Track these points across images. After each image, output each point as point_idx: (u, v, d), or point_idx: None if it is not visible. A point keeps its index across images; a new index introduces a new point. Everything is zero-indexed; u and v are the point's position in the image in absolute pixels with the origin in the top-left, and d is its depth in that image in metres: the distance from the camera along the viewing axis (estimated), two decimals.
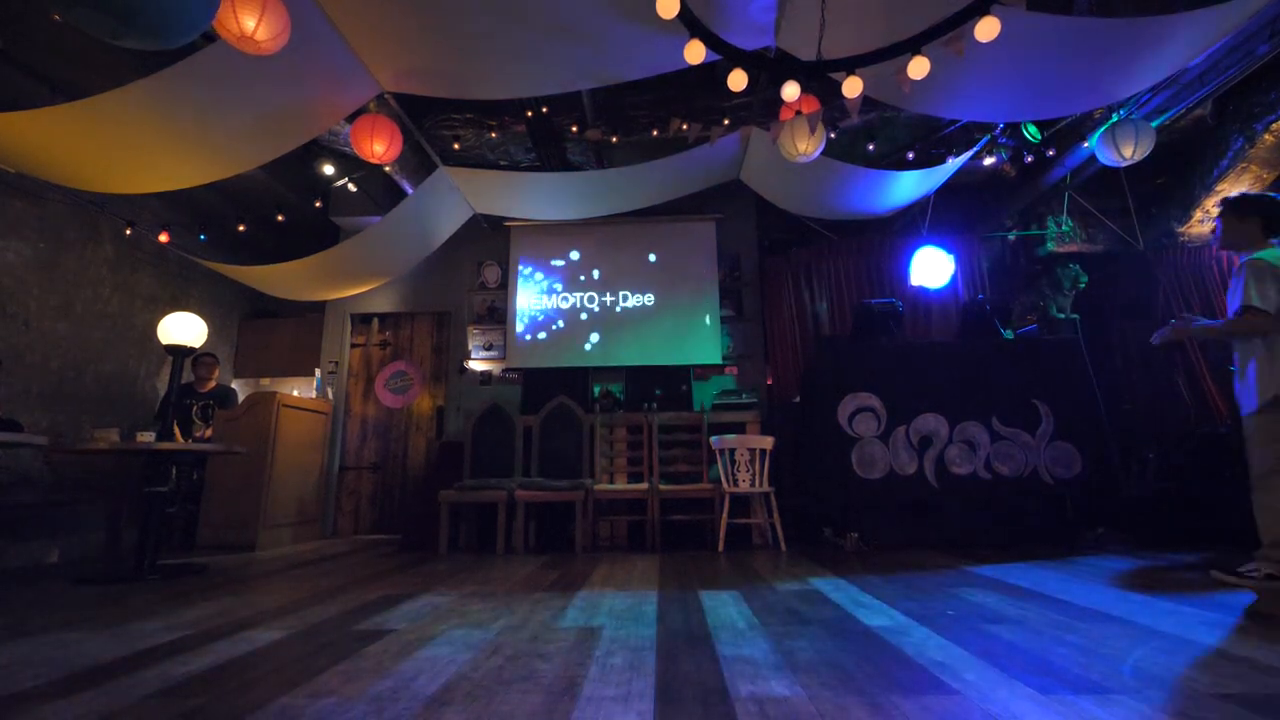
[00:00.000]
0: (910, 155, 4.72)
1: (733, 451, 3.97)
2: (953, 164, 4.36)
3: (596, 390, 5.18)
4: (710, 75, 4.07)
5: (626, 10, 2.82)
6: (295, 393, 5.54)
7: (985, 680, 1.36)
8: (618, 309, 5.64)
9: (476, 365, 5.63)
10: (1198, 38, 3.01)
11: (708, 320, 5.51)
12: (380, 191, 5.42)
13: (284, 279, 4.72)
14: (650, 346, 5.50)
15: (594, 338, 5.59)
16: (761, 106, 4.02)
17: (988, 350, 3.98)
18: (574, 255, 5.78)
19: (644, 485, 4.23)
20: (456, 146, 4.58)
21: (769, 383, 5.53)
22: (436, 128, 4.39)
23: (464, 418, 4.68)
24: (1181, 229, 5.14)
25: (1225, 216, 2.48)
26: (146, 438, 3.20)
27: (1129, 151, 3.59)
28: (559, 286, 5.74)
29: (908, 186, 4.58)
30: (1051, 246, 5.42)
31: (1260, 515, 2.35)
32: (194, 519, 4.35)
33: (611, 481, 4.52)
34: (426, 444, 5.56)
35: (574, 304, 5.68)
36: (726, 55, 2.62)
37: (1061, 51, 3.06)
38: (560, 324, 5.64)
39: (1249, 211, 2.43)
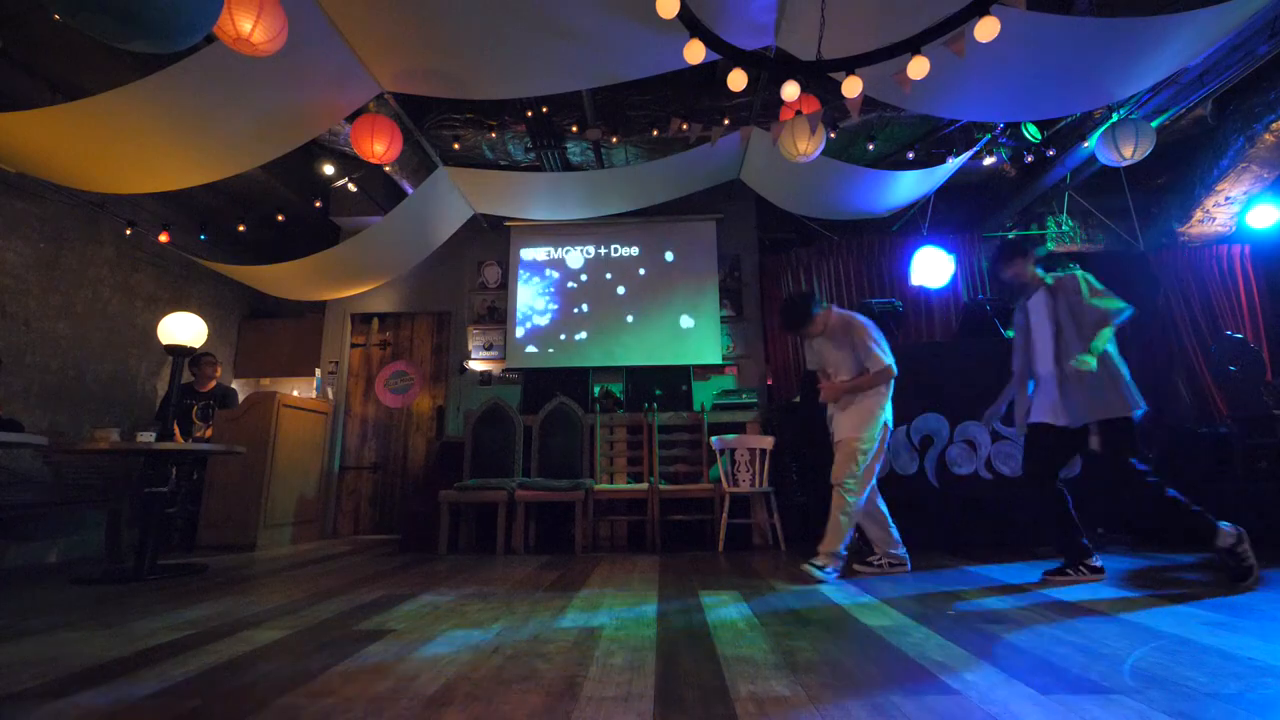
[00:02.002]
0: (910, 155, 4.72)
1: (733, 451, 3.97)
2: (953, 164, 4.36)
3: (596, 390, 5.18)
4: (710, 75, 4.07)
5: (626, 10, 2.82)
6: (295, 393, 5.54)
7: (985, 680, 1.36)
8: (618, 309, 5.64)
9: (476, 365, 5.63)
10: (1198, 38, 3.01)
11: (708, 320, 5.51)
12: (380, 191, 5.42)
13: (284, 279, 4.72)
14: (650, 346, 5.50)
15: (594, 338, 5.58)
16: (761, 106, 4.02)
17: (988, 350, 3.97)
18: (574, 255, 5.78)
19: (644, 485, 4.23)
20: (456, 146, 4.58)
21: (769, 383, 5.53)
22: (436, 128, 4.39)
23: (464, 418, 4.67)
24: (1181, 229, 5.14)
25: (813, 318, 2.95)
26: (146, 438, 3.20)
27: (1129, 151, 3.59)
28: (559, 286, 5.74)
29: (908, 186, 4.58)
30: (1051, 246, 5.42)
31: (867, 526, 2.98)
32: (194, 519, 4.35)
33: (611, 481, 4.53)
34: (426, 444, 5.56)
35: (574, 304, 5.68)
36: (726, 55, 2.62)
37: (1061, 51, 3.06)
38: (560, 324, 5.64)
39: (816, 301, 3.00)
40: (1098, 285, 2.66)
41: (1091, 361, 2.45)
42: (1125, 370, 2.58)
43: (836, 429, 2.95)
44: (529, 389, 5.02)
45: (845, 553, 2.81)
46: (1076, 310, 2.64)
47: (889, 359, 2.88)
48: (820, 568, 2.72)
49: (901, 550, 2.96)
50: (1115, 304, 2.62)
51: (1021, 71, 3.21)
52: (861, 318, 2.98)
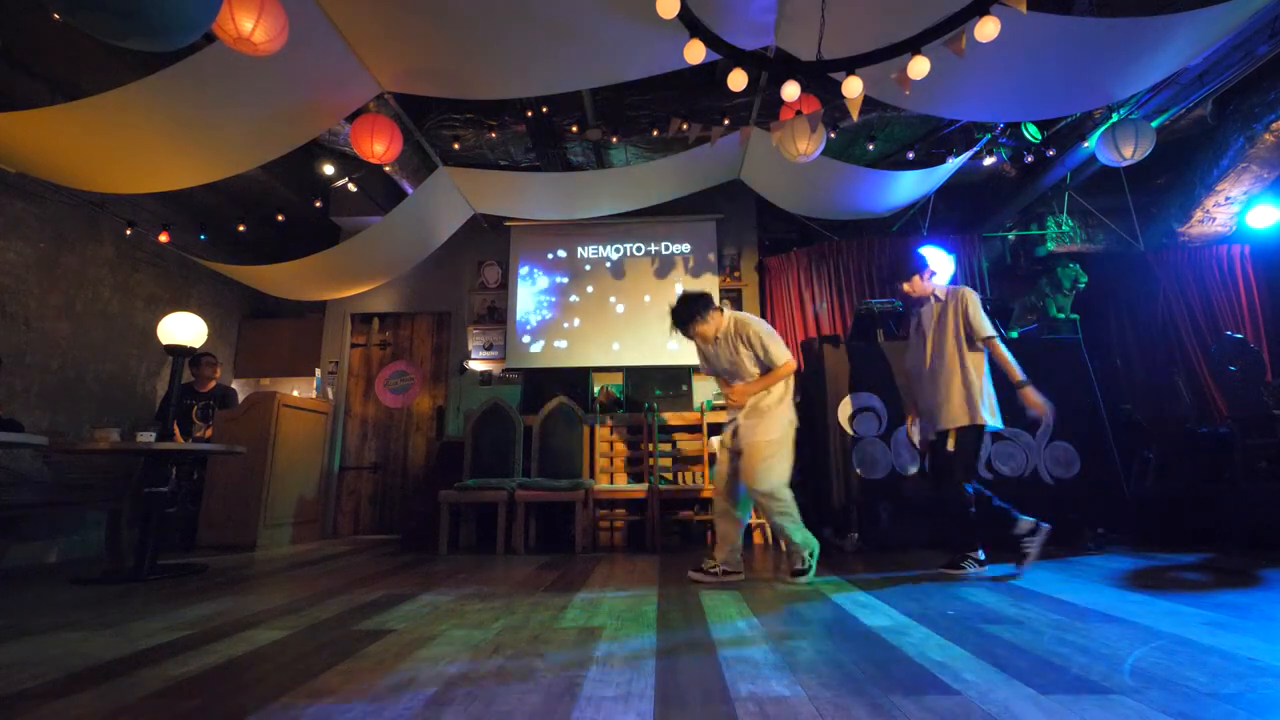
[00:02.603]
0: (910, 155, 4.72)
1: None
2: (953, 164, 4.36)
3: (596, 390, 5.18)
4: (710, 75, 4.07)
5: (626, 10, 2.82)
6: (295, 393, 5.54)
7: (985, 680, 1.36)
8: (618, 309, 5.64)
9: (476, 365, 5.63)
10: (1198, 38, 3.01)
11: None
12: (380, 191, 5.42)
13: (284, 279, 4.72)
14: (650, 346, 5.50)
15: (594, 337, 5.58)
16: (761, 106, 4.02)
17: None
18: (574, 255, 5.78)
19: (644, 485, 4.23)
20: (456, 146, 4.58)
21: None
22: (436, 128, 4.39)
23: (464, 418, 4.67)
24: (1181, 229, 5.14)
25: (705, 316, 2.87)
26: (146, 438, 3.20)
27: (1129, 151, 3.58)
28: (559, 286, 5.74)
29: (908, 186, 4.58)
30: (1051, 246, 5.42)
31: (722, 526, 2.89)
32: (194, 519, 4.35)
33: (611, 481, 4.52)
34: (426, 444, 5.56)
35: (574, 304, 5.68)
36: (726, 55, 2.62)
37: (1061, 51, 3.06)
38: (560, 324, 5.64)
39: (710, 303, 2.91)
40: (980, 307, 2.94)
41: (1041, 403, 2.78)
42: (987, 385, 2.88)
43: (743, 435, 2.82)
44: (529, 389, 5.02)
45: (811, 550, 2.72)
46: (961, 321, 2.92)
47: (789, 352, 2.86)
48: (802, 573, 2.66)
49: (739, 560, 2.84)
50: (989, 326, 2.90)
51: (1021, 71, 3.21)
52: (754, 317, 2.94)
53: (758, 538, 4.26)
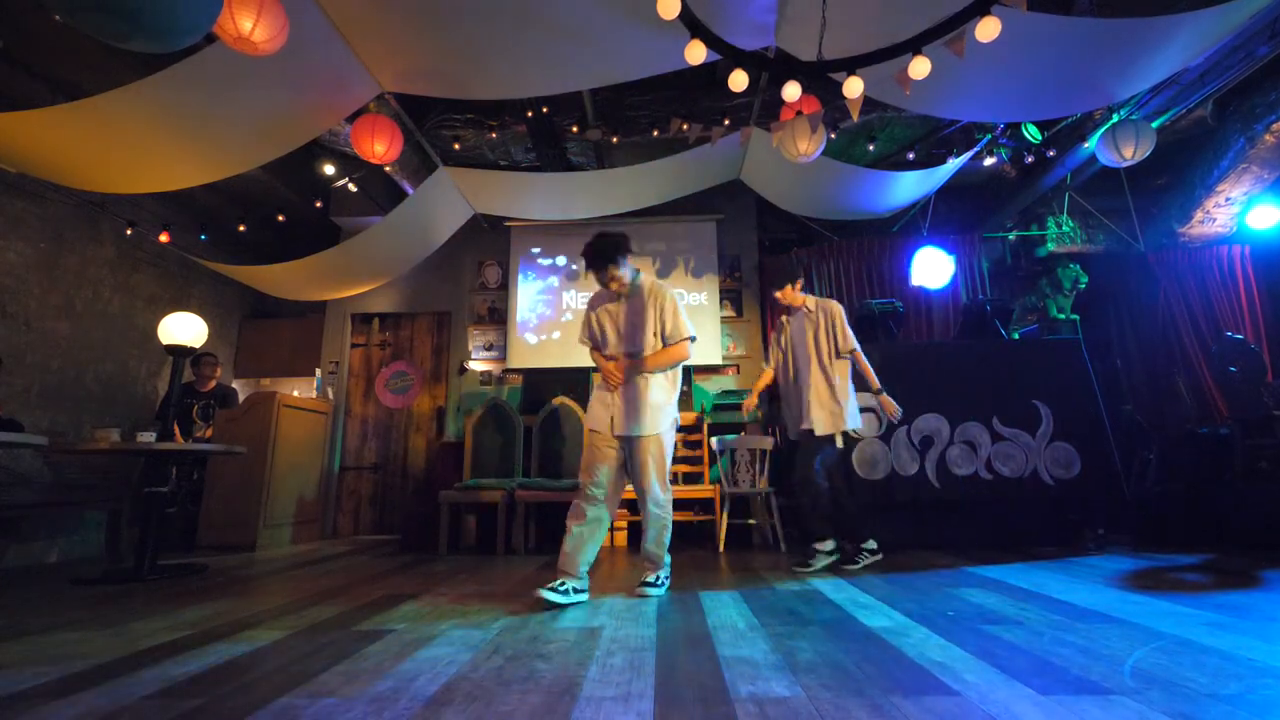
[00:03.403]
0: (910, 155, 4.72)
1: (733, 452, 3.97)
2: (953, 164, 4.36)
3: None
4: (711, 75, 4.07)
5: (627, 10, 2.82)
6: (295, 393, 5.54)
7: (985, 681, 1.36)
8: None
9: (476, 365, 5.63)
10: (1198, 38, 3.01)
11: (708, 320, 5.50)
12: (380, 191, 5.42)
13: (284, 279, 4.72)
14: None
15: None
16: (762, 107, 4.02)
17: (988, 350, 3.98)
18: (574, 255, 5.78)
19: None
20: (456, 146, 4.58)
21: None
22: (436, 128, 4.39)
23: (464, 418, 4.67)
24: (1182, 229, 5.14)
25: (626, 260, 2.68)
26: (146, 438, 3.20)
27: (1129, 152, 3.58)
28: (559, 286, 5.73)
29: (908, 186, 4.58)
30: (1052, 246, 5.42)
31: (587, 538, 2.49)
32: (194, 519, 4.35)
33: None
34: (426, 444, 5.56)
35: (574, 304, 5.67)
36: (727, 55, 2.62)
37: (1061, 51, 3.06)
38: (560, 324, 5.64)
39: (630, 250, 2.72)
40: (847, 321, 3.15)
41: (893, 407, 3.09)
42: (851, 393, 3.10)
43: (624, 422, 2.44)
44: (529, 389, 5.02)
45: (669, 558, 2.59)
46: (830, 333, 3.10)
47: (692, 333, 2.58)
48: (654, 585, 2.47)
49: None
50: (854, 340, 3.10)
51: (1022, 72, 3.21)
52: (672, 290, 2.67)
53: (756, 538, 4.26)
